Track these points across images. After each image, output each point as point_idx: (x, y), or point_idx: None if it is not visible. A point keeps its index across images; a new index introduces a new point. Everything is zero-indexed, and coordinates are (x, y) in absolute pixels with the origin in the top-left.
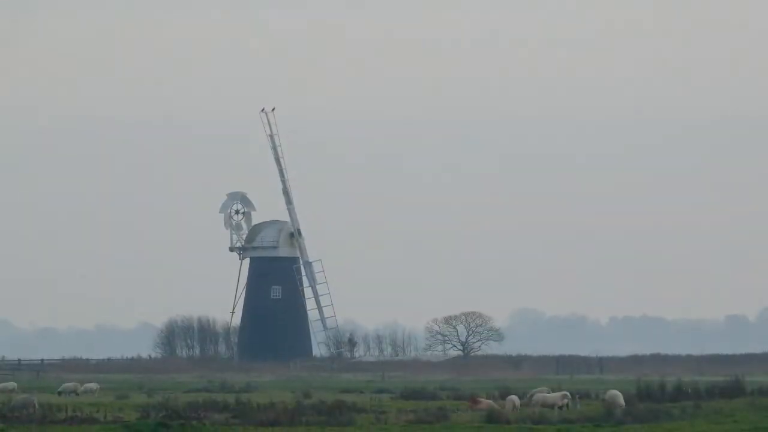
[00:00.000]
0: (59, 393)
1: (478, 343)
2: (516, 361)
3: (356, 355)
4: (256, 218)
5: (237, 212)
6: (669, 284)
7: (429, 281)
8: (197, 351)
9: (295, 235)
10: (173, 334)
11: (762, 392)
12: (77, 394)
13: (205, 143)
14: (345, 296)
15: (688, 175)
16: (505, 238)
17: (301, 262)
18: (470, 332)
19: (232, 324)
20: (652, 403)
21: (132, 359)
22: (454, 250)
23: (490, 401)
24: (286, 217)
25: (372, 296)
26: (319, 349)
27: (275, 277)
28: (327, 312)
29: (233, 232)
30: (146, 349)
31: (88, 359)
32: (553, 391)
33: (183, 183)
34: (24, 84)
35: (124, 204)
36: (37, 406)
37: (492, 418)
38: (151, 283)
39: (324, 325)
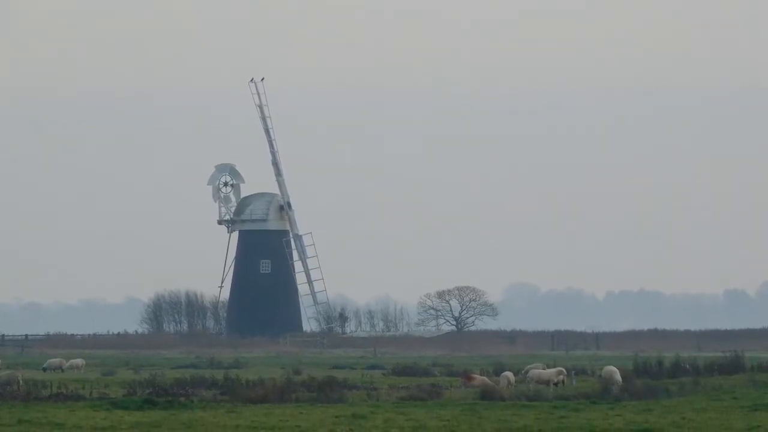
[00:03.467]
0: (44, 369)
1: (471, 319)
2: (511, 337)
3: (347, 330)
4: (245, 190)
5: (225, 184)
6: (667, 258)
7: (422, 255)
8: (185, 326)
9: (285, 208)
10: (160, 309)
11: (762, 368)
12: (62, 371)
13: (192, 114)
14: (336, 270)
15: (687, 148)
16: (500, 211)
17: (291, 235)
18: (464, 307)
19: (221, 298)
20: (649, 380)
21: (118, 335)
22: (447, 223)
23: (484, 378)
24: (276, 190)
25: (363, 270)
26: (309, 325)
27: (264, 251)
28: (317, 286)
29: (221, 204)
30: (133, 324)
31: (73, 335)
32: (548, 367)
33: (171, 156)
34: None
35: (110, 176)
36: (21, 382)
37: (486, 394)
38: (138, 258)
39: (314, 300)
